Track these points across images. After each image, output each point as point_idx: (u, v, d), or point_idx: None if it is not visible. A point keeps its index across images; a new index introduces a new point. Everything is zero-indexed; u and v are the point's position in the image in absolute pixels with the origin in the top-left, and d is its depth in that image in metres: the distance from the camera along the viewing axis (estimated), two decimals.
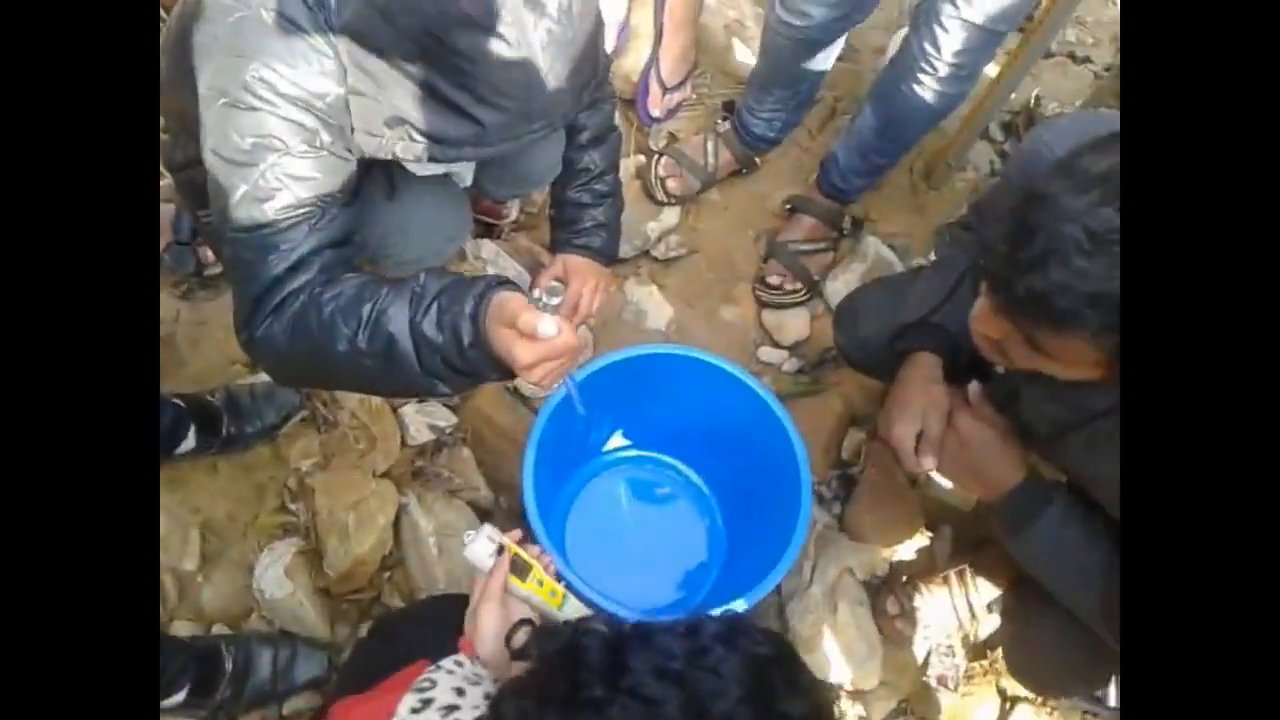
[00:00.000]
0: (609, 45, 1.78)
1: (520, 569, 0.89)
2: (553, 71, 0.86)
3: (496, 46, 0.82)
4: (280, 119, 0.85)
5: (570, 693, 0.58)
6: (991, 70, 1.81)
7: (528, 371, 0.84)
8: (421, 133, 0.87)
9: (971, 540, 1.59)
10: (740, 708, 0.56)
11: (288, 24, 0.82)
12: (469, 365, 0.87)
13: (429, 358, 0.87)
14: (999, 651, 1.50)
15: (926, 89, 1.45)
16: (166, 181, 1.68)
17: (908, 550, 1.60)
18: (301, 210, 0.89)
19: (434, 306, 0.86)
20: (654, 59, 1.81)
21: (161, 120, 1.12)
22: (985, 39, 1.36)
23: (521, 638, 0.77)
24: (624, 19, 1.84)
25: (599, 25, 0.94)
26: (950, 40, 1.37)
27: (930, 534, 1.61)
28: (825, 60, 1.60)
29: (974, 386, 1.13)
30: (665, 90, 1.81)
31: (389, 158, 0.90)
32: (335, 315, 0.87)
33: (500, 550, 0.88)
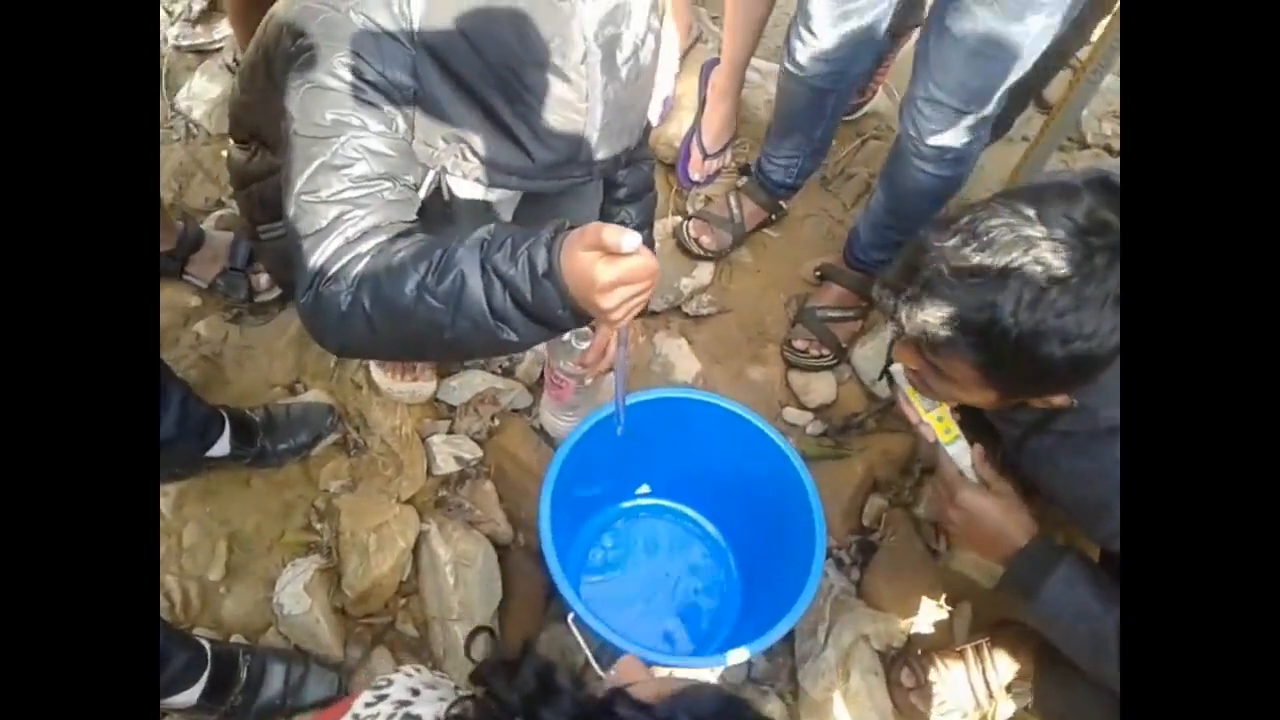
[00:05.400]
0: (654, 114, 1.87)
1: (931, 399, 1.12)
2: (607, 128, 0.94)
3: (565, 93, 0.89)
4: (362, 102, 0.90)
5: None
6: (1016, 158, 1.87)
7: (605, 295, 0.80)
8: (475, 153, 0.93)
9: (992, 620, 1.56)
10: None
11: (372, 24, 0.89)
12: (540, 300, 0.83)
13: (499, 295, 0.84)
14: None
15: (919, 170, 1.50)
16: (227, 211, 1.78)
17: (926, 623, 1.57)
18: (374, 183, 0.91)
19: (508, 242, 0.85)
20: (696, 126, 1.90)
21: (234, 139, 1.20)
22: (957, 120, 1.39)
23: (480, 647, 0.77)
24: (670, 91, 1.94)
25: (650, 98, 1.03)
26: (924, 121, 1.42)
27: (950, 608, 1.58)
28: (835, 108, 1.67)
29: (977, 449, 1.18)
30: (705, 156, 1.89)
31: (437, 169, 0.95)
32: (405, 261, 0.87)
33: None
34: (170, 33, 2.04)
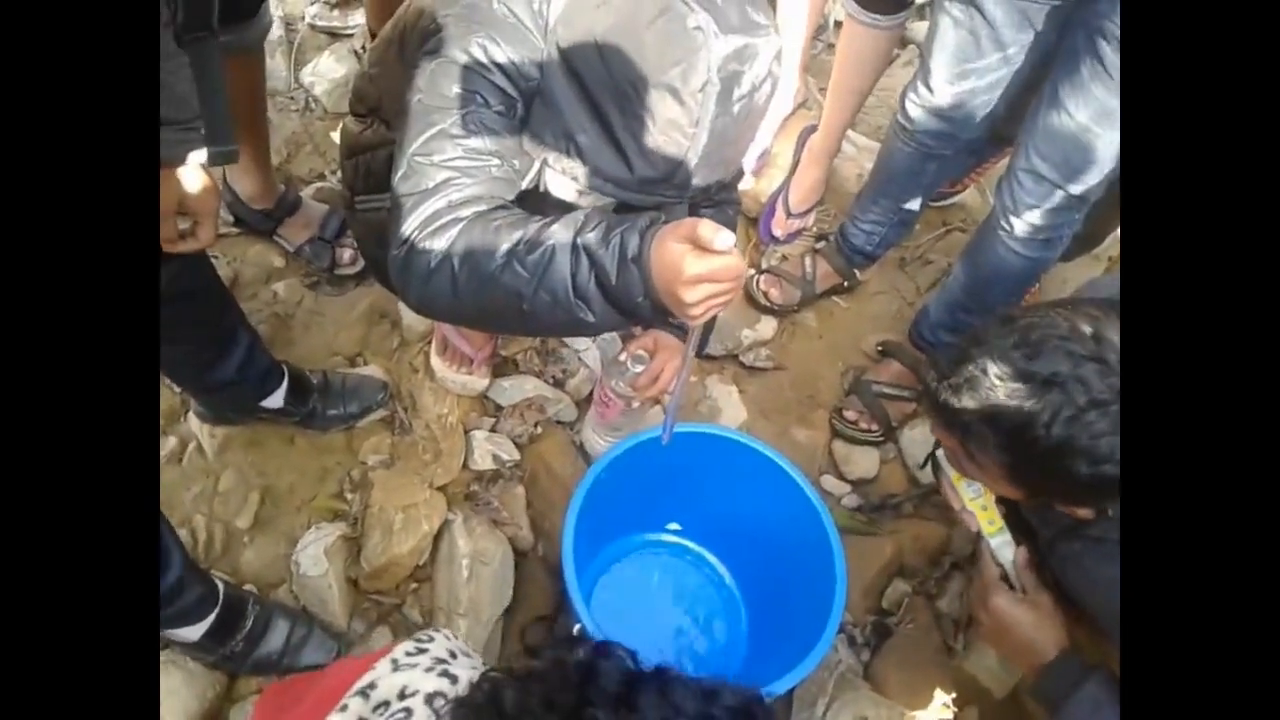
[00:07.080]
0: (748, 164, 1.91)
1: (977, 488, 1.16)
2: (707, 157, 0.97)
3: (677, 116, 0.93)
4: (489, 82, 0.95)
5: (576, 707, 0.59)
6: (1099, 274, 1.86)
7: (688, 288, 0.80)
8: (579, 154, 0.97)
9: None
10: None
11: (511, 15, 0.94)
12: (623, 284, 0.84)
13: (584, 273, 0.85)
14: None
15: (1006, 249, 1.48)
16: (327, 185, 1.86)
17: (929, 719, 1.53)
18: (485, 157, 0.95)
19: (603, 224, 0.87)
20: (786, 185, 1.93)
21: (353, 112, 1.26)
22: (1052, 195, 1.38)
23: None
24: (768, 146, 1.98)
25: (753, 138, 1.06)
26: (1021, 193, 1.41)
27: (957, 710, 1.53)
28: (933, 180, 1.68)
29: (1021, 552, 1.18)
30: (790, 215, 1.92)
31: (541, 160, 0.99)
32: (501, 228, 0.89)
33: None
34: (309, 10, 2.16)
